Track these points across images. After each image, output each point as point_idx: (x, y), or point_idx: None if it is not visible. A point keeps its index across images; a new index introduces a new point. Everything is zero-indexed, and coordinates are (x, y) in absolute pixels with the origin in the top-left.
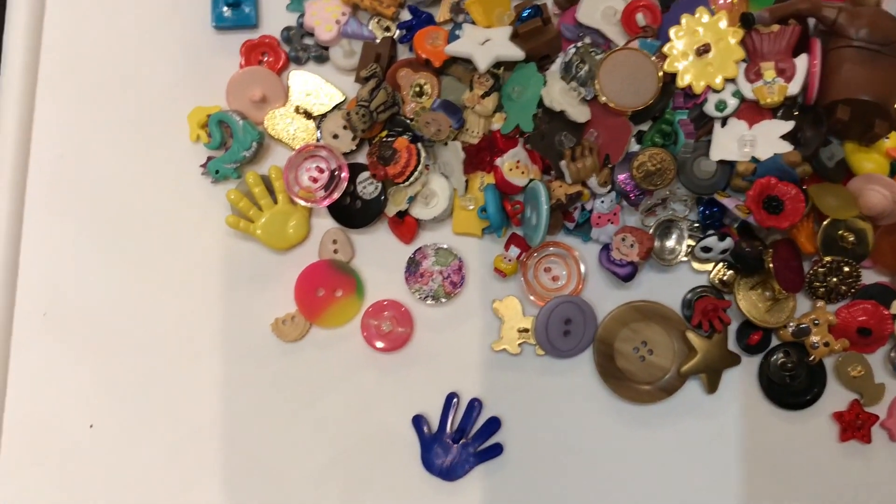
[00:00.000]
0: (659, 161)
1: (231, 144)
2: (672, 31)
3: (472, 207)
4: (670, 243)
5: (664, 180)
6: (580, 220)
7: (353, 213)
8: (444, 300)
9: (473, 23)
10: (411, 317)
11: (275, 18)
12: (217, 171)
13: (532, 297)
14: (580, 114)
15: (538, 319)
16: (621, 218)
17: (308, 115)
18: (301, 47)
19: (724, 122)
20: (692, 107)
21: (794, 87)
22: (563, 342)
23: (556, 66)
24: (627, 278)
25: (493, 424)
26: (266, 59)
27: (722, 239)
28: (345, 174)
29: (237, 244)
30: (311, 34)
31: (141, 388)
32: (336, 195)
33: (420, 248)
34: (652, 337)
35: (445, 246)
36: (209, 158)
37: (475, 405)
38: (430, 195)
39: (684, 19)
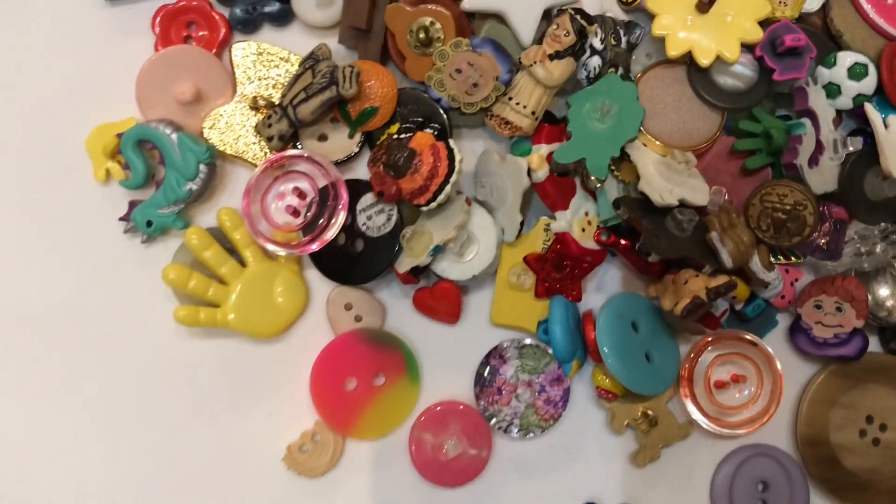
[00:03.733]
0: (791, 201)
1: (164, 175)
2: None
3: (527, 286)
4: (884, 291)
5: (803, 226)
6: (752, 315)
7: (351, 261)
8: (535, 432)
9: None
10: (489, 433)
11: None
12: (149, 224)
13: (703, 421)
14: (700, 193)
15: (715, 483)
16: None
17: (273, 108)
18: (248, 4)
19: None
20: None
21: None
22: None
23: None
24: (859, 354)
25: None
26: (195, 32)
27: None
28: (342, 195)
29: (204, 344)
30: None
31: None
32: (332, 231)
33: (496, 349)
34: (877, 404)
35: (531, 341)
36: (132, 204)
37: None
38: (466, 241)
39: None
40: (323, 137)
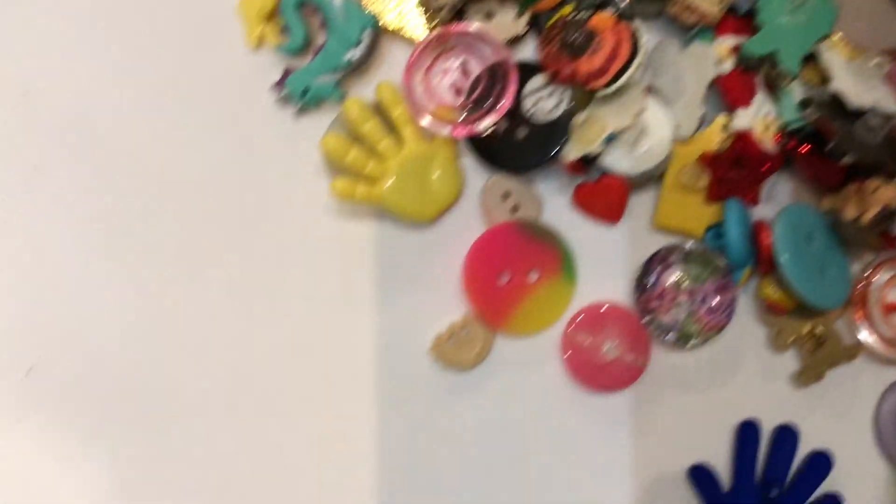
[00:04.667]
0: None
1: (325, 42)
2: None
3: (700, 187)
4: None
5: None
6: None
7: (512, 147)
8: (696, 342)
9: None
10: (648, 340)
11: None
12: (304, 92)
13: (875, 344)
14: (891, 99)
15: (882, 410)
16: None
17: None
18: None
19: None
20: None
21: None
22: None
23: None
24: None
25: (821, 465)
26: None
27: None
28: (512, 75)
29: (352, 223)
30: None
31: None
32: (499, 113)
33: (659, 253)
34: None
35: (697, 247)
36: (287, 71)
37: (787, 437)
38: (641, 132)
39: None
40: (489, 15)
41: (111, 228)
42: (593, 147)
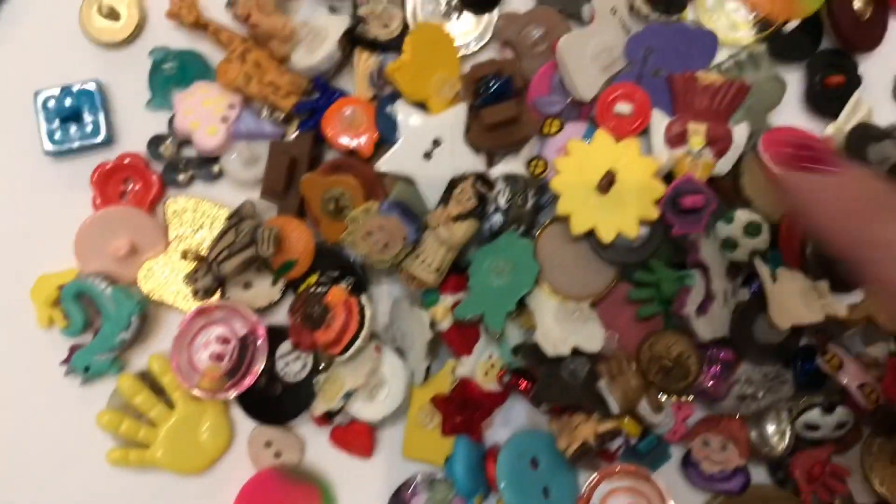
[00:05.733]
0: (676, 350)
1: (101, 325)
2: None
3: (435, 425)
4: (771, 427)
5: (689, 372)
6: (645, 450)
7: (271, 403)
8: None
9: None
10: None
11: (136, 128)
12: (87, 369)
13: None
14: (594, 340)
15: None
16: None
17: (202, 261)
18: (181, 163)
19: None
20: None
21: (722, 166)
22: None
23: None
24: (743, 488)
25: None
26: (132, 187)
27: (830, 410)
28: (261, 342)
29: (136, 478)
30: (190, 142)
31: None
32: (250, 378)
33: (406, 484)
34: None
35: (441, 474)
36: (72, 350)
37: None
38: (377, 384)
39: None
40: (248, 285)
41: None
42: (334, 404)
